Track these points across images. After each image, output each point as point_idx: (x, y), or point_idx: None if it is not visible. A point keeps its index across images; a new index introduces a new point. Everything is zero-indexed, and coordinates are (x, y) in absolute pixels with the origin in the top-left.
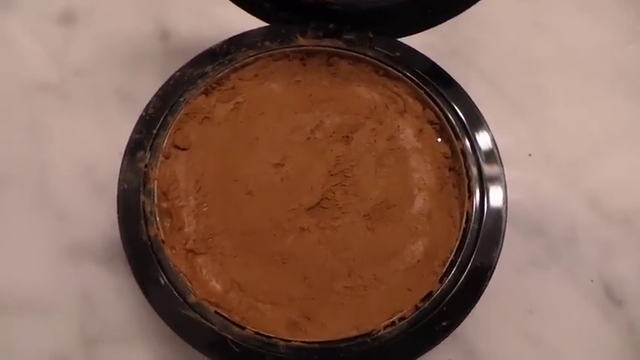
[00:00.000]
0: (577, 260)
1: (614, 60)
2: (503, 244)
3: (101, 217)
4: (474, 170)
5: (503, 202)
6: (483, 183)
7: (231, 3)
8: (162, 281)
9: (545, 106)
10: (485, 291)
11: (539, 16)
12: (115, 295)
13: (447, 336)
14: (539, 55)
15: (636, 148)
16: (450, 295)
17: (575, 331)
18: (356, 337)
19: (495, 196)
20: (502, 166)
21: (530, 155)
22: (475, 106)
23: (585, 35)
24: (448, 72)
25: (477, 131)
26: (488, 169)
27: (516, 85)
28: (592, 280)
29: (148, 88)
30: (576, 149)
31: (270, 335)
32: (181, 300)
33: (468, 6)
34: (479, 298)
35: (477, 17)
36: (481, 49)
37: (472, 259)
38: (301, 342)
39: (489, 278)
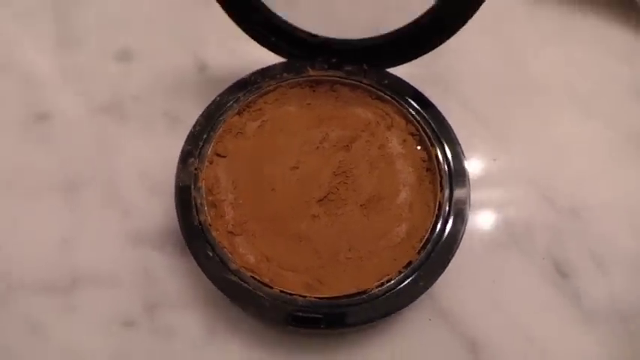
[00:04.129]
0: (532, 242)
1: (572, 86)
2: (472, 228)
3: (156, 211)
4: (445, 170)
5: (467, 194)
6: (452, 180)
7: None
8: (210, 254)
9: (510, 123)
10: (458, 265)
11: (508, 48)
12: (169, 270)
13: (423, 293)
14: (506, 82)
15: (583, 157)
16: (425, 263)
17: (529, 298)
18: (355, 294)
19: (461, 190)
20: (466, 167)
21: (494, 160)
22: (445, 120)
23: (546, 65)
24: (429, 95)
25: (447, 140)
26: (456, 169)
27: (486, 105)
28: (543, 258)
29: (189, 111)
30: (535, 156)
31: (292, 293)
32: (225, 268)
33: (443, 42)
34: (447, 265)
35: (455, 50)
36: (457, 75)
37: (442, 237)
38: (314, 297)
39: (455, 251)
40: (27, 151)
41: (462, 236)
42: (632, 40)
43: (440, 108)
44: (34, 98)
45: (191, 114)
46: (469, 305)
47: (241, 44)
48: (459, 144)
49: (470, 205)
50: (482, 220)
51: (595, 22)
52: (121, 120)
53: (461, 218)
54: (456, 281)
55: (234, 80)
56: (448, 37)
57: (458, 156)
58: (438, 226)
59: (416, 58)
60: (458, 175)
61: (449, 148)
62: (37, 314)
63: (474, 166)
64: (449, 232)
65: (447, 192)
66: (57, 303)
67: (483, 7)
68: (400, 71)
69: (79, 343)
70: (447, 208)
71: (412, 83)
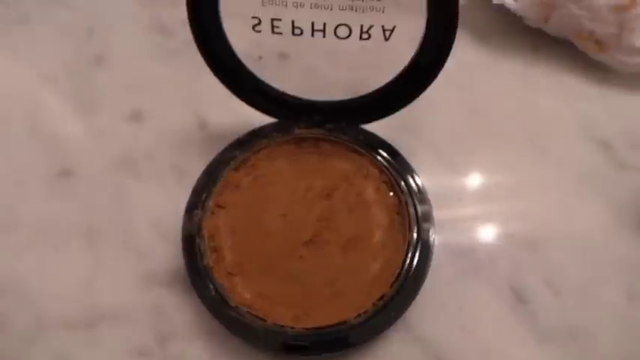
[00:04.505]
0: (494, 272)
1: (529, 131)
2: (439, 262)
3: (166, 255)
4: (413, 213)
5: (433, 233)
6: (419, 222)
7: None
8: (212, 293)
9: (474, 166)
10: (428, 295)
11: (472, 98)
12: (178, 307)
13: (395, 322)
14: (470, 129)
15: (540, 195)
16: (397, 295)
17: (492, 322)
18: (336, 325)
19: (427, 229)
20: (432, 209)
21: (459, 200)
22: (413, 169)
23: (506, 112)
24: (400, 143)
25: (415, 187)
26: (423, 212)
27: (452, 150)
28: (504, 286)
29: (194, 164)
30: (496, 195)
31: (282, 324)
32: (225, 304)
33: (410, 102)
34: (416, 296)
35: (424, 101)
36: (426, 124)
37: (411, 272)
38: (302, 328)
39: (423, 283)
40: (52, 204)
41: (429, 270)
42: (586, 87)
43: (410, 154)
44: (58, 156)
45: (195, 167)
46: (439, 330)
47: (238, 104)
48: (425, 189)
49: (435, 242)
50: (448, 253)
51: (554, 72)
52: (134, 174)
53: (427, 254)
54: (426, 309)
55: (231, 136)
56: (416, 96)
57: (424, 199)
58: (407, 262)
59: (389, 115)
60: (424, 216)
61: (416, 192)
62: (63, 348)
63: (440, 205)
64: (417, 267)
65: (415, 232)
66: (80, 338)
67: (450, 61)
68: (375, 123)
69: None
70: (415, 246)
71: (386, 133)
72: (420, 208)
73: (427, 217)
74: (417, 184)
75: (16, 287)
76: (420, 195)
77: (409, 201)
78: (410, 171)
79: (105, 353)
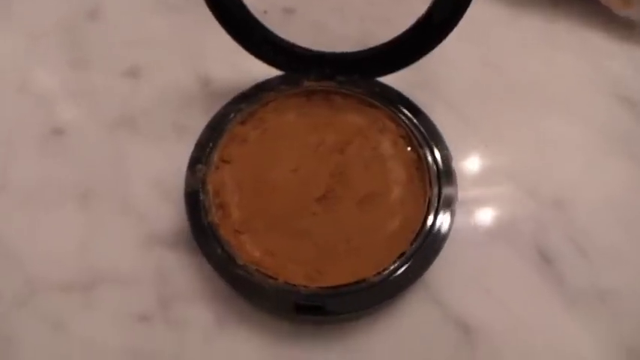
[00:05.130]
0: (518, 232)
1: (552, 89)
2: (461, 219)
3: (168, 215)
4: (433, 168)
5: (455, 190)
6: (440, 176)
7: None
8: (218, 251)
9: (494, 124)
10: (449, 255)
11: (491, 54)
12: (181, 268)
13: (414, 282)
14: (490, 86)
15: (564, 155)
16: (417, 253)
17: (516, 283)
18: (353, 283)
19: (449, 186)
20: (453, 165)
21: (480, 158)
22: (432, 122)
23: (527, 69)
24: (417, 99)
25: (435, 141)
26: (443, 166)
27: (471, 107)
28: (529, 247)
29: (196, 121)
30: (519, 154)
31: (295, 283)
32: (233, 263)
33: (427, 53)
34: (437, 254)
35: (441, 56)
36: (443, 80)
37: (433, 230)
38: (315, 287)
39: (445, 241)
40: (46, 164)
41: (451, 228)
42: (609, 44)
43: (427, 111)
44: (50, 115)
45: (198, 124)
46: (461, 292)
47: (241, 59)
48: (446, 143)
49: (458, 199)
50: (470, 213)
51: (575, 28)
52: (132, 132)
53: (449, 211)
54: (448, 270)
55: (236, 93)
56: (431, 49)
57: (445, 154)
58: (429, 219)
59: (403, 68)
60: (445, 172)
61: (436, 147)
62: (57, 312)
63: (460, 163)
64: (439, 225)
65: (435, 188)
66: (77, 301)
67: (467, 16)
68: (389, 78)
69: (99, 337)
70: (436, 203)
71: (402, 89)
72: (440, 163)
73: (448, 174)
74: (437, 140)
75: (5, 249)
76: (441, 149)
77: (429, 155)
78: (429, 125)
79: (103, 317)
